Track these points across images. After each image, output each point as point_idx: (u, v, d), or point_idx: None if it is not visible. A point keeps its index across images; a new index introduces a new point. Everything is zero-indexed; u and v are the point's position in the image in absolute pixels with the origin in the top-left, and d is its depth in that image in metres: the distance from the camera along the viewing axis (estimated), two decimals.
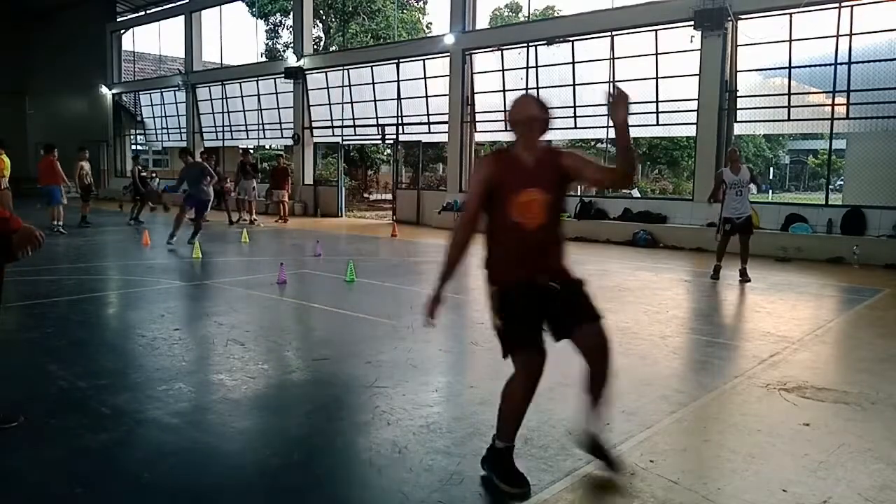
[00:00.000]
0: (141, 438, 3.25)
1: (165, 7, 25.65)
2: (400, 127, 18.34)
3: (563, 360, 4.79)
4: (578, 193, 14.82)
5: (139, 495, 2.70)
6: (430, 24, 32.73)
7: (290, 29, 25.06)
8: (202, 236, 10.80)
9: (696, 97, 12.88)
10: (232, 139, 23.25)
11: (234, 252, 11.14)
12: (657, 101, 13.60)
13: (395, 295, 7.33)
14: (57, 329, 5.33)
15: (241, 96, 22.56)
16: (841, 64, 11.46)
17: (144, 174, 16.91)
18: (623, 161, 2.79)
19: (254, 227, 15.00)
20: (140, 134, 28.04)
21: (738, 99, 12.68)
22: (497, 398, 3.83)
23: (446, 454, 3.05)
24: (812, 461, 3.06)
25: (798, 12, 11.63)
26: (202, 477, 2.88)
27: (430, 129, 17.82)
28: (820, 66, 11.88)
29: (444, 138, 17.50)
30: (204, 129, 24.26)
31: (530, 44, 15.41)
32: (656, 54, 13.46)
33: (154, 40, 27.34)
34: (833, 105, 11.76)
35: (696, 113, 12.96)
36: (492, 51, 16.29)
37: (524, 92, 14.67)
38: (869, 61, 11.23)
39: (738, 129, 13.08)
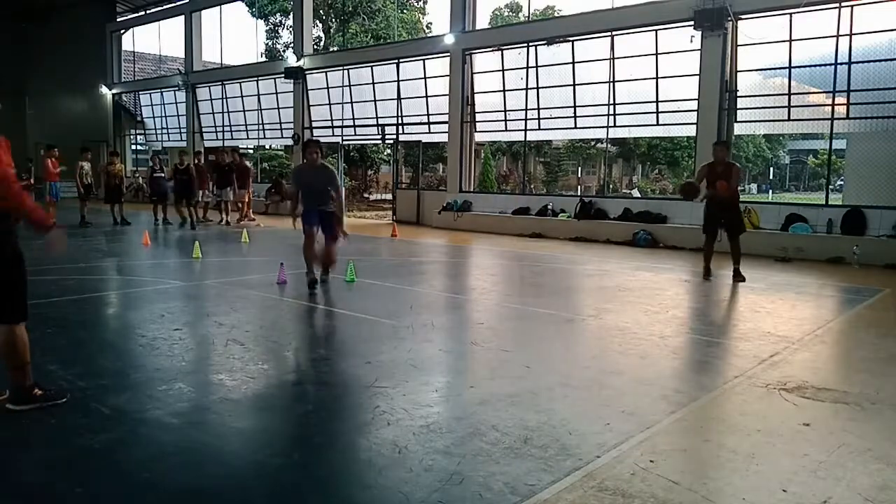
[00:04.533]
0: (141, 438, 3.25)
1: (165, 7, 25.64)
2: (400, 127, 18.35)
3: (562, 360, 4.81)
4: (578, 194, 14.84)
5: (139, 495, 2.70)
6: (430, 24, 32.79)
7: (290, 29, 25.07)
8: (204, 237, 10.80)
9: (696, 97, 12.88)
10: (232, 139, 23.25)
11: (234, 252, 11.14)
12: (657, 101, 13.61)
13: (395, 295, 7.33)
14: (57, 329, 5.33)
15: (241, 96, 22.57)
16: (841, 64, 11.46)
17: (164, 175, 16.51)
18: None
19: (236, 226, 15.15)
20: (140, 134, 28.04)
21: (739, 99, 12.68)
22: (497, 398, 3.84)
23: (446, 454, 3.05)
24: (812, 461, 3.06)
25: (798, 12, 11.64)
26: (202, 477, 2.88)
27: (430, 129, 17.82)
28: (820, 65, 11.88)
29: (444, 138, 17.51)
30: (204, 129, 24.26)
31: (530, 44, 15.41)
32: (656, 54, 13.46)
33: (154, 40, 27.35)
34: (833, 105, 11.76)
35: (696, 113, 12.97)
36: (492, 51, 16.30)
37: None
38: (869, 61, 11.23)
39: (738, 129, 13.09)
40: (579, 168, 37.92)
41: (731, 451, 3.18)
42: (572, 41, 14.77)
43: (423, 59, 17.55)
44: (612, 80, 14.26)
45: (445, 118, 16.99)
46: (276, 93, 21.20)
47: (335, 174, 7.40)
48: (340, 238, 7.36)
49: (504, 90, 16.06)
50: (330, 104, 19.91)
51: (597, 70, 14.54)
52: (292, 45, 21.24)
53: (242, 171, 16.37)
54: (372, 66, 18.74)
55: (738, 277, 8.31)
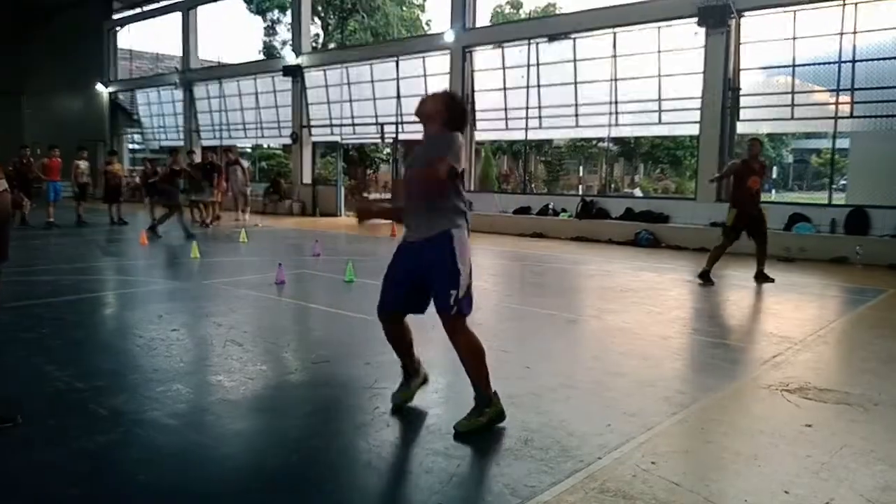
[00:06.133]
0: (138, 439, 3.22)
1: (162, 4, 25.53)
2: (399, 125, 18.30)
3: (563, 361, 4.77)
4: (580, 193, 14.81)
5: (137, 496, 2.68)
6: (430, 21, 32.77)
7: (288, 26, 25.02)
8: (202, 236, 10.75)
9: (699, 95, 12.83)
10: (230, 138, 23.20)
11: (233, 252, 11.11)
12: (660, 100, 13.57)
13: None
14: (54, 330, 5.30)
15: (239, 94, 22.49)
16: (845, 62, 11.40)
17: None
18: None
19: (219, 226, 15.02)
20: (137, 133, 27.97)
21: (742, 97, 12.64)
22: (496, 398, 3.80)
23: (446, 456, 3.03)
24: (814, 462, 3.04)
25: (802, 10, 11.60)
26: (200, 478, 2.86)
27: None
28: (824, 64, 11.82)
29: None
30: (201, 128, 24.18)
31: (531, 41, 15.37)
32: (659, 52, 13.42)
33: (151, 38, 27.36)
34: (837, 103, 11.71)
35: (699, 111, 12.92)
36: (492, 48, 16.25)
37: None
38: (873, 59, 11.18)
39: (741, 128, 13.01)
40: (581, 167, 37.85)
41: (734, 453, 3.15)
42: (574, 38, 14.72)
43: (423, 57, 17.50)
44: (613, 78, 14.22)
45: None
46: (274, 91, 21.13)
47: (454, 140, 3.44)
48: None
49: (505, 88, 16.02)
50: (329, 102, 19.86)
51: (598, 68, 14.49)
52: (290, 42, 21.18)
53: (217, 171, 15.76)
54: (371, 64, 18.70)
55: (766, 279, 8.27)
